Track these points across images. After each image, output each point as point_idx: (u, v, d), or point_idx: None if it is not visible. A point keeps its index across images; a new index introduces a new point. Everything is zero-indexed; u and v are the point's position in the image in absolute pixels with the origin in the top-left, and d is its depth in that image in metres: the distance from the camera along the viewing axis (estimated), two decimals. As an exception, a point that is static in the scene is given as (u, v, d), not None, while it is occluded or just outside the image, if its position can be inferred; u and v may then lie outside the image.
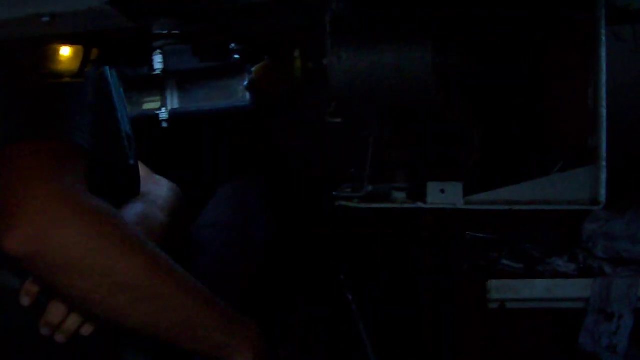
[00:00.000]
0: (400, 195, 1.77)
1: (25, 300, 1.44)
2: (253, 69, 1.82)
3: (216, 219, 1.97)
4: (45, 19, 1.23)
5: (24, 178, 1.37)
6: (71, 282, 1.38)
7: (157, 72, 2.05)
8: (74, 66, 1.45)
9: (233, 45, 1.62)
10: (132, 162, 1.75)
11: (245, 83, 1.92)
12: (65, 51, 1.45)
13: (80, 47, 1.46)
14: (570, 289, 2.25)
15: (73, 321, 1.45)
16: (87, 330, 1.46)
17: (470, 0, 1.57)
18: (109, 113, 1.60)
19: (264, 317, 1.89)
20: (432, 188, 1.74)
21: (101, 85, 1.60)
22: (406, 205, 1.76)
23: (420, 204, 1.75)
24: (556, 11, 1.68)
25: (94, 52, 1.49)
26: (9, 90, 1.40)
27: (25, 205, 1.35)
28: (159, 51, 2.01)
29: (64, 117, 1.41)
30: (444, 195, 1.74)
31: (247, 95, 1.98)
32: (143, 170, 1.87)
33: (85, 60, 1.47)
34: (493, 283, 2.25)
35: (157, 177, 1.86)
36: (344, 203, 1.76)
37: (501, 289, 2.25)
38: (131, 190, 1.74)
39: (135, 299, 1.40)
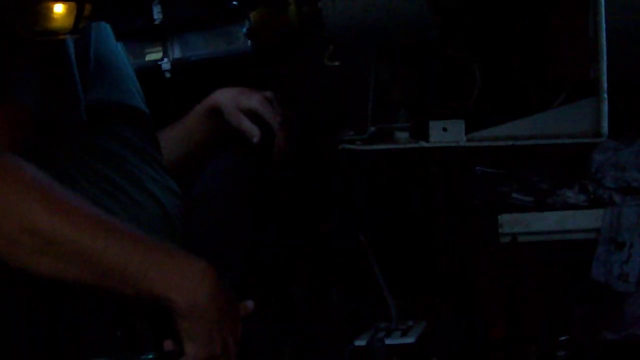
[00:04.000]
0: (403, 135, 1.77)
1: None
2: (251, 15, 1.82)
3: (212, 186, 1.97)
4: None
5: None
6: None
7: (157, 22, 2.05)
8: (68, 23, 1.46)
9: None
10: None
11: (245, 29, 1.91)
12: (59, 8, 1.46)
13: (73, 4, 1.46)
14: (580, 220, 2.25)
15: None
16: None
17: None
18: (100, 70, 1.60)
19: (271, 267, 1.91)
20: (435, 126, 1.75)
21: (97, 43, 1.60)
22: (409, 145, 1.77)
23: (423, 143, 1.76)
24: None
25: (87, 8, 1.49)
26: None
27: None
28: (157, 1, 2.01)
29: (11, 75, 1.40)
30: (446, 133, 1.75)
31: (248, 42, 1.98)
32: None
33: (79, 16, 1.47)
34: (504, 217, 2.26)
35: None
36: (347, 146, 1.76)
37: (512, 223, 2.26)
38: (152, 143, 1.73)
39: (38, 245, 1.41)
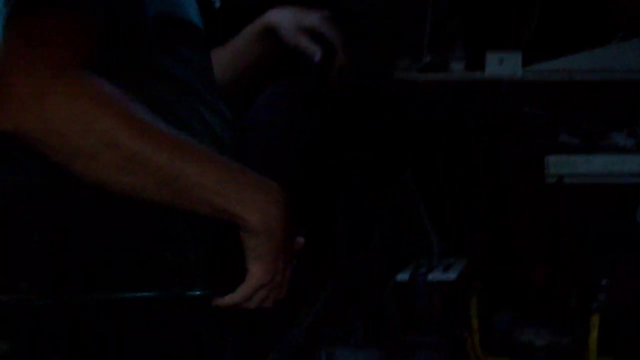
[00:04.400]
0: (458, 66, 1.77)
1: None
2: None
3: (258, 118, 1.95)
4: None
5: (14, 50, 1.38)
6: (57, 151, 1.40)
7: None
8: None
9: None
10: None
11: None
12: None
13: None
14: (628, 164, 2.24)
15: None
16: None
17: None
18: None
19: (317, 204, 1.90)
20: (491, 58, 1.74)
21: None
22: (464, 76, 1.76)
23: (478, 75, 1.75)
24: None
25: None
26: None
27: (16, 81, 1.37)
28: None
29: None
30: (502, 65, 1.74)
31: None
32: None
33: None
34: (551, 158, 2.25)
35: None
36: (402, 75, 1.76)
37: (559, 164, 2.25)
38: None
39: (117, 161, 1.41)
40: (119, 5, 1.47)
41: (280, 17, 1.94)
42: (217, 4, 2.08)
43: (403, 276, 2.21)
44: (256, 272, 1.53)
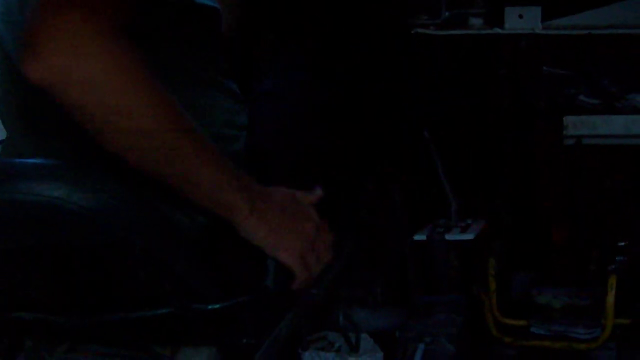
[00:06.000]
0: (477, 21, 1.76)
1: None
2: None
3: (272, 87, 1.95)
4: None
5: (54, 5, 1.38)
6: (87, 116, 1.41)
7: None
8: None
9: None
10: None
11: None
12: None
13: None
14: (648, 125, 2.23)
15: None
16: None
17: None
18: None
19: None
20: (510, 12, 1.74)
21: None
22: (483, 31, 1.76)
23: (497, 30, 1.74)
24: None
25: None
26: None
27: (53, 35, 1.36)
28: None
29: None
30: (522, 20, 1.74)
31: None
32: None
33: None
34: (570, 119, 2.24)
35: None
36: (420, 30, 1.75)
37: (578, 125, 2.24)
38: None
39: (146, 145, 1.44)
40: None
41: None
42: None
43: (420, 236, 2.21)
44: (284, 254, 1.55)
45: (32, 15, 1.36)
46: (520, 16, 1.73)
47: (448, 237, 2.21)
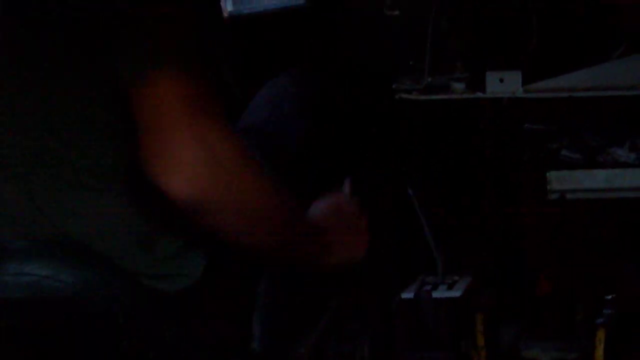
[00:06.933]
0: (459, 86, 1.78)
1: None
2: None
3: (252, 122, 1.95)
4: None
5: (176, 117, 1.36)
6: (224, 220, 1.43)
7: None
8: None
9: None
10: None
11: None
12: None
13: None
14: (630, 179, 2.24)
15: None
16: None
17: None
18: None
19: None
20: (491, 77, 1.75)
21: None
22: (465, 96, 1.77)
23: (479, 94, 1.76)
24: None
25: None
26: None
27: (185, 147, 1.36)
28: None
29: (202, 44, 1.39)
30: (503, 84, 1.75)
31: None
32: None
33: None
34: (553, 174, 2.25)
35: None
36: (403, 95, 1.77)
37: (561, 180, 2.25)
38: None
39: (265, 229, 1.47)
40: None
41: None
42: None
43: (408, 294, 2.22)
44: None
45: (155, 128, 1.34)
46: (501, 80, 1.75)
47: (435, 294, 2.22)
